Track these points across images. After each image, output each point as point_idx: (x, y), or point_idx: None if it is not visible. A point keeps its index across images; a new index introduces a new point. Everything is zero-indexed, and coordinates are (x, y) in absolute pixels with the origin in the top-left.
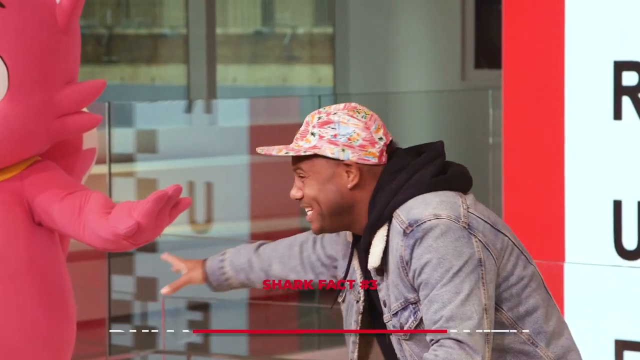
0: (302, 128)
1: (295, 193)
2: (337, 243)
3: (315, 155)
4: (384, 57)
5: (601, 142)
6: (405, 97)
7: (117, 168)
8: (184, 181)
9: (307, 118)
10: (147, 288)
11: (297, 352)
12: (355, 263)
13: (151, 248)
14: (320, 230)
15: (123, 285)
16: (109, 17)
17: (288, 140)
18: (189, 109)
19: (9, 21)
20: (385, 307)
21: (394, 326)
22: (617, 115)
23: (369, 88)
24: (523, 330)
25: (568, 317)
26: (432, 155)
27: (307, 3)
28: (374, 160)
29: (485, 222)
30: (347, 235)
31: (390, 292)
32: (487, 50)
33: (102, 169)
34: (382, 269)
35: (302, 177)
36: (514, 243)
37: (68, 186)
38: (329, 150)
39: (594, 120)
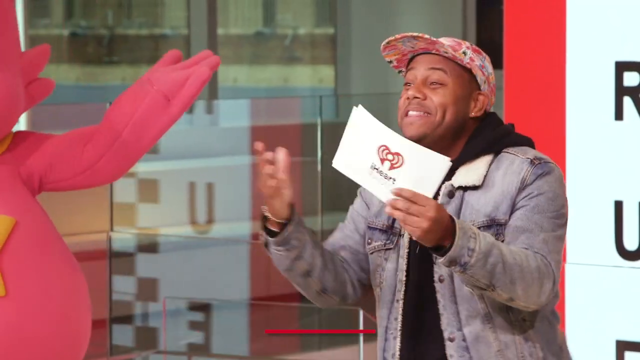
0: (448, 42)
1: (416, 93)
2: (364, 206)
3: (463, 70)
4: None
5: (602, 142)
6: None
7: None
8: (185, 182)
9: (453, 38)
10: (148, 288)
11: (297, 353)
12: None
13: (152, 249)
14: (421, 138)
15: (124, 286)
16: (110, 17)
17: (289, 142)
18: (190, 109)
19: None
20: None
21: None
22: (619, 115)
23: (371, 89)
24: (547, 304)
25: (569, 318)
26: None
27: (308, 4)
28: (491, 103)
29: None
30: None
31: (467, 210)
32: (489, 51)
33: None
34: (453, 192)
35: (434, 85)
36: None
37: (54, 137)
38: (479, 74)
39: (595, 120)
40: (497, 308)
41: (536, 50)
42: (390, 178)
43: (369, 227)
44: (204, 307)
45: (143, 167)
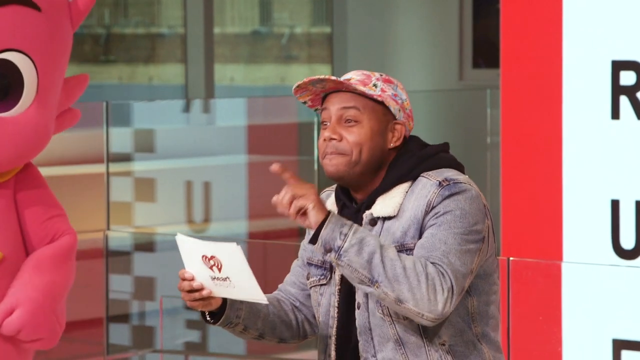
0: (359, 77)
1: (331, 134)
2: (305, 250)
3: (376, 104)
4: (382, 57)
5: (599, 141)
6: None
7: (114, 167)
8: (181, 180)
9: (362, 71)
10: (144, 287)
11: (294, 352)
12: None
13: (149, 248)
14: (340, 178)
15: (121, 285)
16: (106, 16)
17: (286, 141)
18: (186, 108)
19: (44, 26)
20: None
21: None
22: (615, 114)
23: None
24: (475, 326)
25: (565, 317)
26: (446, 146)
27: (305, 3)
28: (409, 131)
29: (490, 219)
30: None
31: (384, 238)
32: (485, 50)
33: (100, 168)
34: (375, 220)
35: (349, 122)
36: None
37: (49, 208)
38: (392, 105)
39: (591, 119)
40: (409, 332)
41: (533, 49)
42: (226, 278)
43: (308, 263)
44: None
45: (140, 166)
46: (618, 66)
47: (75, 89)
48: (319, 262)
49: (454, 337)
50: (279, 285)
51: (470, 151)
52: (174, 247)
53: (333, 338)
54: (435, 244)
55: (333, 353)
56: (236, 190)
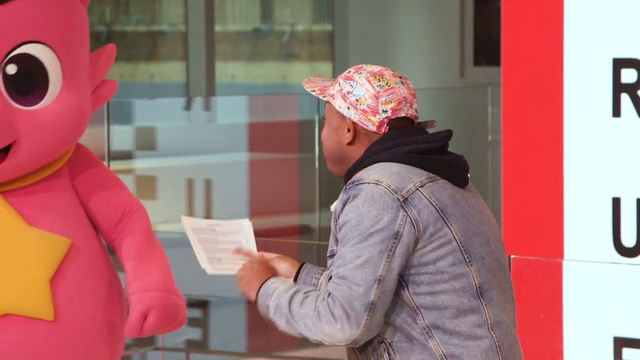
0: (341, 76)
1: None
2: None
3: (330, 103)
4: (383, 54)
5: (600, 139)
6: None
7: (115, 165)
8: (182, 178)
9: (355, 67)
10: None
11: (296, 349)
12: None
13: None
14: (330, 171)
15: (123, 282)
16: (107, 14)
17: (287, 138)
18: (187, 106)
19: (58, 12)
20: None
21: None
22: (616, 112)
23: None
24: (420, 319)
25: (567, 314)
26: (427, 137)
27: (306, 1)
28: (372, 128)
29: (434, 206)
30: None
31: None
32: (486, 48)
33: None
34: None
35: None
36: (457, 240)
37: (109, 186)
38: (337, 103)
39: (592, 117)
40: None
41: (534, 47)
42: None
43: None
44: (202, 304)
45: (141, 164)
46: (619, 64)
47: (105, 61)
48: None
49: (394, 333)
50: None
51: (471, 149)
52: (175, 244)
53: None
54: (338, 266)
55: None
56: (237, 188)
